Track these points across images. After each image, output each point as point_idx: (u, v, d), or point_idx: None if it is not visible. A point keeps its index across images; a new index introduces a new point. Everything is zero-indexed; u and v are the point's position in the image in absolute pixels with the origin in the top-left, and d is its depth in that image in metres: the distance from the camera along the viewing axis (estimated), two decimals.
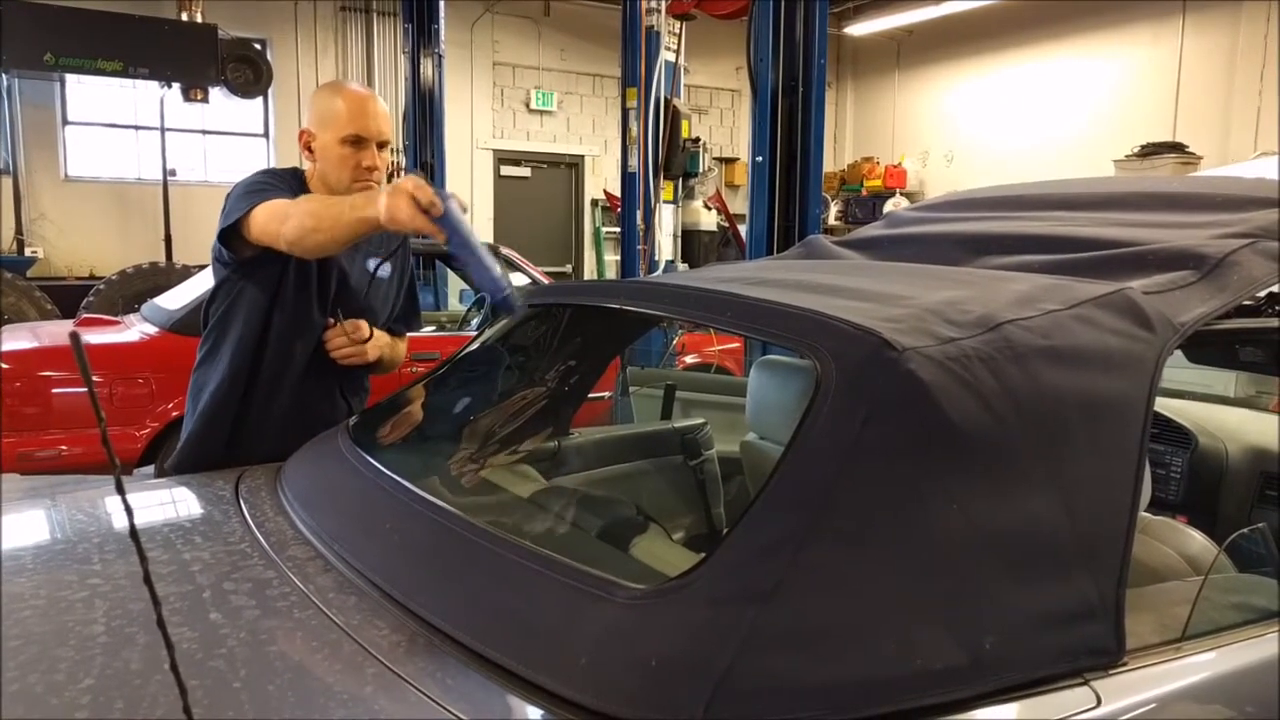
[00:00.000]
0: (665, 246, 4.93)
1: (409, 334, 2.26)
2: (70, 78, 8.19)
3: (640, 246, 4.94)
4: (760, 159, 3.69)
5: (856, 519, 1.07)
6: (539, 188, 11.12)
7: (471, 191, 10.20)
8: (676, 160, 4.87)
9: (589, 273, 11.21)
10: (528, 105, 10.78)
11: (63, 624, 1.11)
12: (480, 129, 10.45)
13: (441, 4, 7.31)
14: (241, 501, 1.59)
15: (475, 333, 5.54)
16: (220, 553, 1.33)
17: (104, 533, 1.42)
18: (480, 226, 10.43)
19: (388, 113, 2.09)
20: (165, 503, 1.66)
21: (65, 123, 8.48)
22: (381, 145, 2.05)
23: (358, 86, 2.11)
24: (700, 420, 2.54)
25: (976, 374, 1.16)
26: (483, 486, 1.70)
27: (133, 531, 0.72)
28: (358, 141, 1.99)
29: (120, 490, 0.69)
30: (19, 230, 8.13)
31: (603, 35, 11.09)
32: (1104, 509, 1.16)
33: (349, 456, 1.58)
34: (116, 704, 0.94)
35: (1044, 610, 1.07)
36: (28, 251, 8.05)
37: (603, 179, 11.36)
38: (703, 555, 1.06)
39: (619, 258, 11.27)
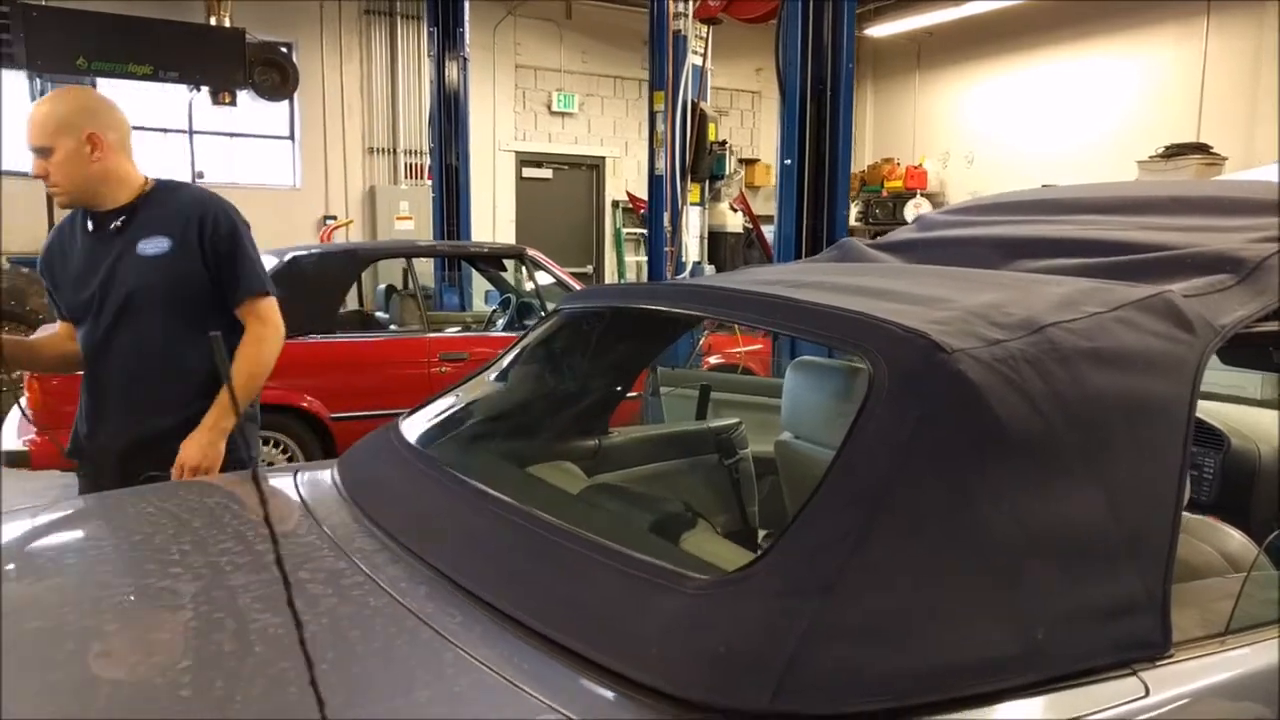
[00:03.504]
0: (692, 248, 4.98)
1: (259, 300, 2.27)
2: (100, 81, 8.31)
3: (667, 248, 4.99)
4: (789, 161, 3.73)
5: (911, 515, 1.11)
6: (560, 189, 11.19)
7: (494, 193, 10.28)
8: (703, 163, 4.91)
9: (609, 274, 11.27)
10: (549, 107, 10.85)
11: (151, 610, 1.17)
12: (502, 131, 10.53)
13: (466, 7, 7.38)
14: (303, 495, 1.65)
15: (501, 333, 5.65)
16: (290, 544, 1.39)
17: (177, 525, 1.48)
18: (502, 228, 10.52)
19: (57, 117, 2.15)
20: (227, 497, 1.72)
21: None
22: (43, 152, 2.14)
23: (54, 94, 2.31)
24: (735, 420, 2.58)
25: (1023, 375, 1.20)
26: (532, 483, 1.75)
27: (267, 520, 0.77)
28: (33, 152, 2.16)
29: (257, 482, 0.75)
30: (50, 230, 8.25)
31: (624, 37, 11.15)
32: (1149, 507, 1.20)
33: (405, 453, 1.64)
34: (216, 682, 0.99)
35: (1093, 604, 1.11)
36: None
37: (623, 180, 11.42)
38: (762, 549, 1.10)
39: (640, 259, 11.40)
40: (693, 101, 4.93)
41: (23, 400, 4.70)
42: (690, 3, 4.87)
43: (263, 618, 1.14)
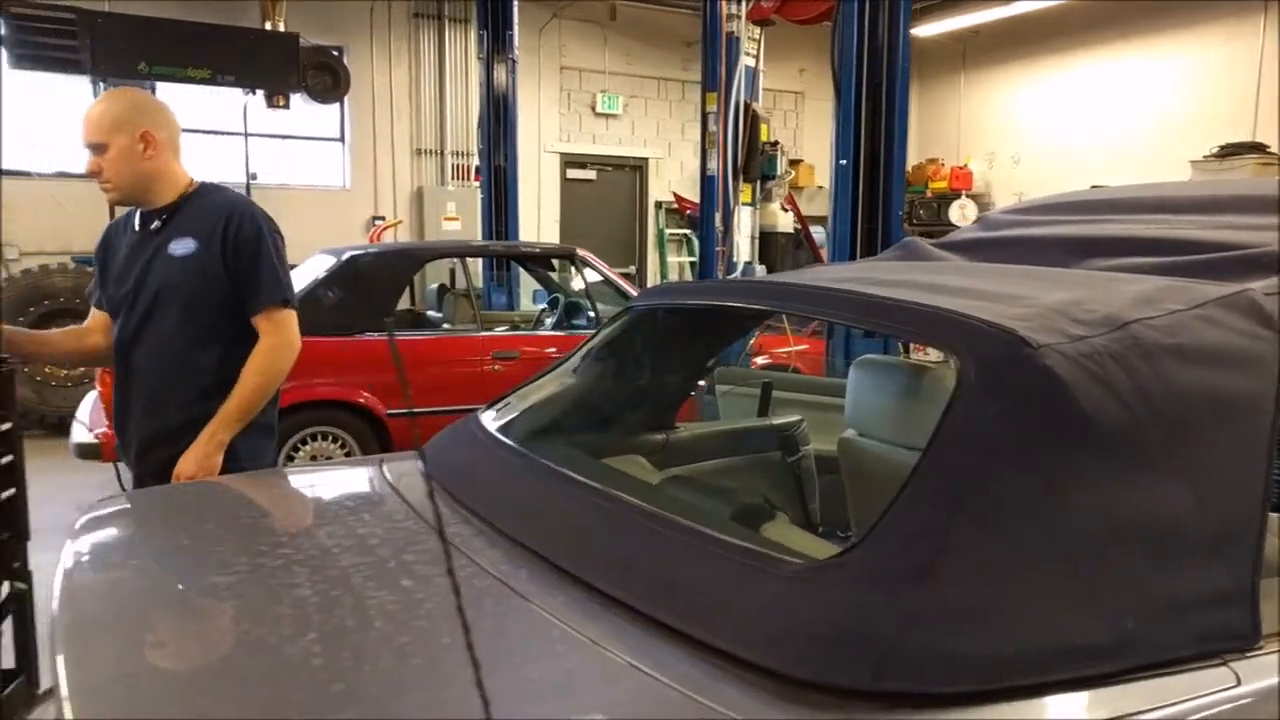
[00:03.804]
0: (743, 248, 5.02)
1: (277, 311, 2.27)
2: (160, 86, 8.53)
3: (719, 248, 5.03)
4: (844, 162, 3.75)
5: (1001, 505, 1.14)
6: (604, 190, 11.27)
7: (539, 194, 10.38)
8: (755, 163, 4.95)
9: (651, 274, 11.32)
10: (593, 109, 10.93)
11: (272, 589, 1.24)
12: (547, 132, 10.63)
13: (515, 11, 7.47)
14: (392, 484, 1.72)
15: (550, 332, 5.72)
16: (391, 529, 1.45)
17: (283, 510, 1.55)
18: (547, 229, 10.61)
19: (111, 115, 2.22)
20: (320, 485, 1.79)
21: None
22: (96, 148, 2.21)
23: (110, 93, 2.35)
24: (797, 417, 2.62)
25: (1108, 370, 1.23)
26: (612, 473, 1.80)
27: (435, 508, 0.83)
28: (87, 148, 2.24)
29: (427, 477, 0.80)
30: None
31: (668, 39, 11.20)
32: (1236, 501, 1.22)
33: (492, 443, 1.70)
34: (344, 653, 1.05)
35: (1182, 595, 1.14)
36: None
37: (666, 181, 11.47)
38: (856, 538, 1.14)
39: (681, 259, 11.44)
40: (745, 102, 4.96)
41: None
42: (743, 4, 4.90)
43: (378, 595, 1.20)
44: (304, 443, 4.86)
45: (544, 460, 1.54)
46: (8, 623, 2.57)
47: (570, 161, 10.93)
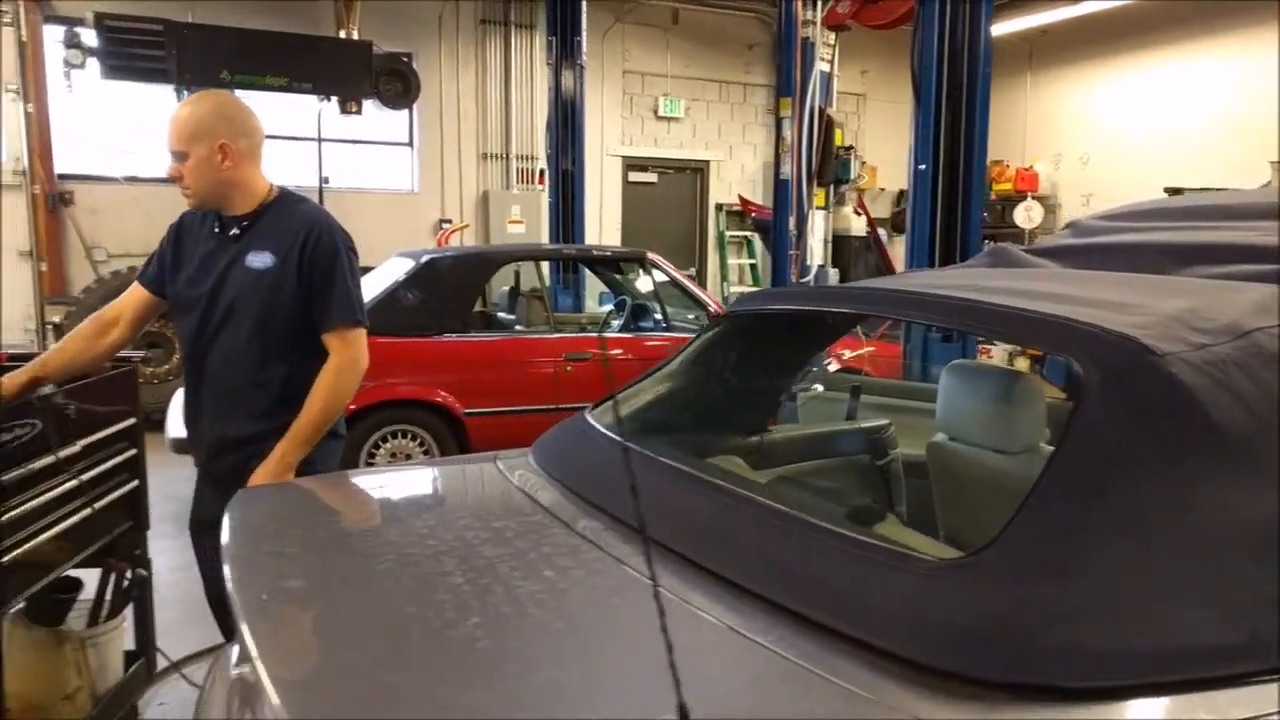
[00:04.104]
0: (816, 251, 5.04)
1: (348, 330, 2.30)
2: (238, 94, 8.81)
3: (792, 252, 5.06)
4: (923, 167, 3.76)
5: (1129, 508, 1.18)
6: (664, 193, 11.34)
7: (601, 197, 10.49)
8: (829, 167, 4.97)
9: (712, 276, 11.36)
10: (655, 112, 11.02)
11: (426, 576, 1.32)
12: (610, 136, 10.74)
13: (584, 16, 7.59)
14: (511, 480, 1.80)
15: (617, 334, 5.80)
16: (524, 523, 1.53)
17: (416, 503, 1.64)
18: (608, 232, 10.72)
19: (194, 122, 2.27)
20: (443, 480, 1.88)
21: None
22: (180, 156, 2.26)
23: (195, 97, 2.40)
24: (885, 421, 2.65)
25: (1232, 377, 1.26)
26: (721, 471, 1.86)
27: (634, 491, 0.90)
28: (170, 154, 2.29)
29: (629, 471, 0.87)
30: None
31: (730, 42, 11.24)
32: None
33: (607, 441, 1.77)
34: (509, 637, 1.13)
35: None
36: None
37: (727, 184, 11.50)
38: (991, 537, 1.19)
39: (741, 261, 11.46)
40: (820, 107, 4.99)
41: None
42: (819, 10, 4.93)
43: (525, 584, 1.28)
44: (384, 440, 5.01)
45: (664, 458, 1.61)
46: (125, 607, 2.73)
47: (632, 165, 11.03)
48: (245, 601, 1.23)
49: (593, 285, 7.94)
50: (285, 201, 2.38)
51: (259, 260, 2.28)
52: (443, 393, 5.07)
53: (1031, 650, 1.06)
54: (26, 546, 2.04)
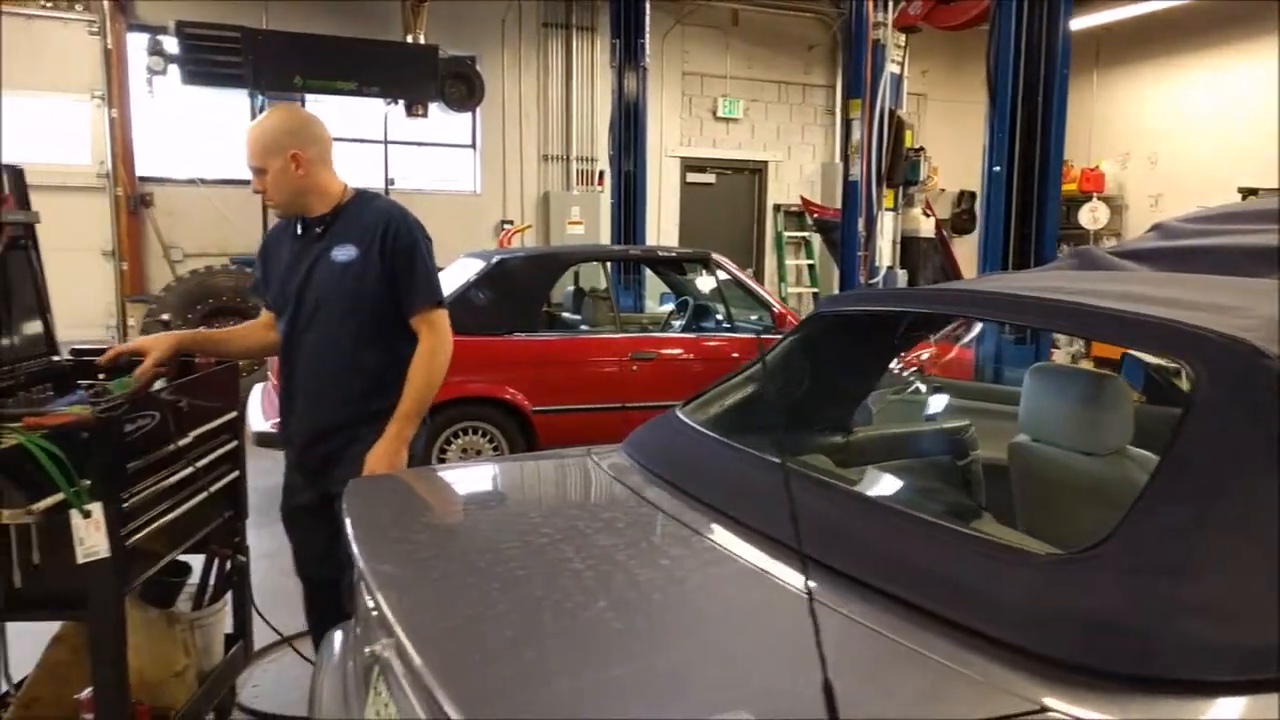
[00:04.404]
0: (885, 253, 5.05)
1: (431, 312, 2.45)
2: (309, 98, 9.05)
3: (861, 253, 5.07)
4: (998, 169, 3.75)
5: (1245, 506, 1.19)
6: (722, 193, 11.37)
7: (659, 198, 10.55)
8: (899, 169, 4.97)
9: (769, 277, 11.36)
10: (714, 113, 11.05)
11: (549, 561, 1.39)
12: (669, 137, 10.81)
13: (648, 19, 7.65)
14: (612, 474, 1.86)
15: (680, 334, 5.85)
16: (632, 514, 1.59)
17: (522, 494, 1.71)
18: (666, 232, 10.78)
19: (269, 139, 2.42)
20: (543, 473, 1.95)
21: None
22: (259, 171, 2.42)
23: (270, 112, 2.54)
24: (966, 422, 2.66)
25: None
26: (812, 468, 1.91)
27: (787, 480, 0.95)
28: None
29: (788, 493, 0.92)
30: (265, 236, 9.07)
31: (789, 43, 11.23)
32: None
33: (704, 436, 1.82)
34: (639, 619, 1.19)
35: None
36: None
37: (785, 185, 11.49)
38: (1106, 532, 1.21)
39: (799, 262, 11.44)
40: (890, 109, 4.99)
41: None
42: (890, 12, 4.93)
43: (644, 571, 1.34)
44: (455, 437, 5.12)
45: (759, 453, 1.66)
46: (226, 592, 2.86)
47: (690, 166, 11.08)
48: (382, 584, 1.30)
49: (653, 286, 8.00)
50: (362, 199, 2.53)
51: (342, 254, 2.42)
52: (512, 390, 5.17)
53: (1158, 644, 1.09)
54: (150, 529, 2.16)
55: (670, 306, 6.75)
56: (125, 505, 2.06)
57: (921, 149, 5.14)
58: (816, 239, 10.73)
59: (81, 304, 7.92)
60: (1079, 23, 10.50)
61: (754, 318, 6.01)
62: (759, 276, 11.32)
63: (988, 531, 1.58)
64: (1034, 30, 3.75)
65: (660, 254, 6.71)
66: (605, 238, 9.54)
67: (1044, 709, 1.03)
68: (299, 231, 2.52)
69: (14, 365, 2.55)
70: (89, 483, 1.93)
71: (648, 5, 8.07)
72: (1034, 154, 3.80)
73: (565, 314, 6.65)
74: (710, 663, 1.10)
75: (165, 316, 2.85)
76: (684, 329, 5.99)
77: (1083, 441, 2.06)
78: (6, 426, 1.88)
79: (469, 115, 9.81)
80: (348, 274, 2.41)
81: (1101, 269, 2.38)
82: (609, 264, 6.54)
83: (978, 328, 3.96)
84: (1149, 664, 1.07)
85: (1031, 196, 3.81)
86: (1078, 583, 1.15)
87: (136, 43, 8.39)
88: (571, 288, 6.86)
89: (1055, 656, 1.09)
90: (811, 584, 1.19)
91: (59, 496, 1.90)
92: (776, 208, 11.44)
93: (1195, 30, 10.07)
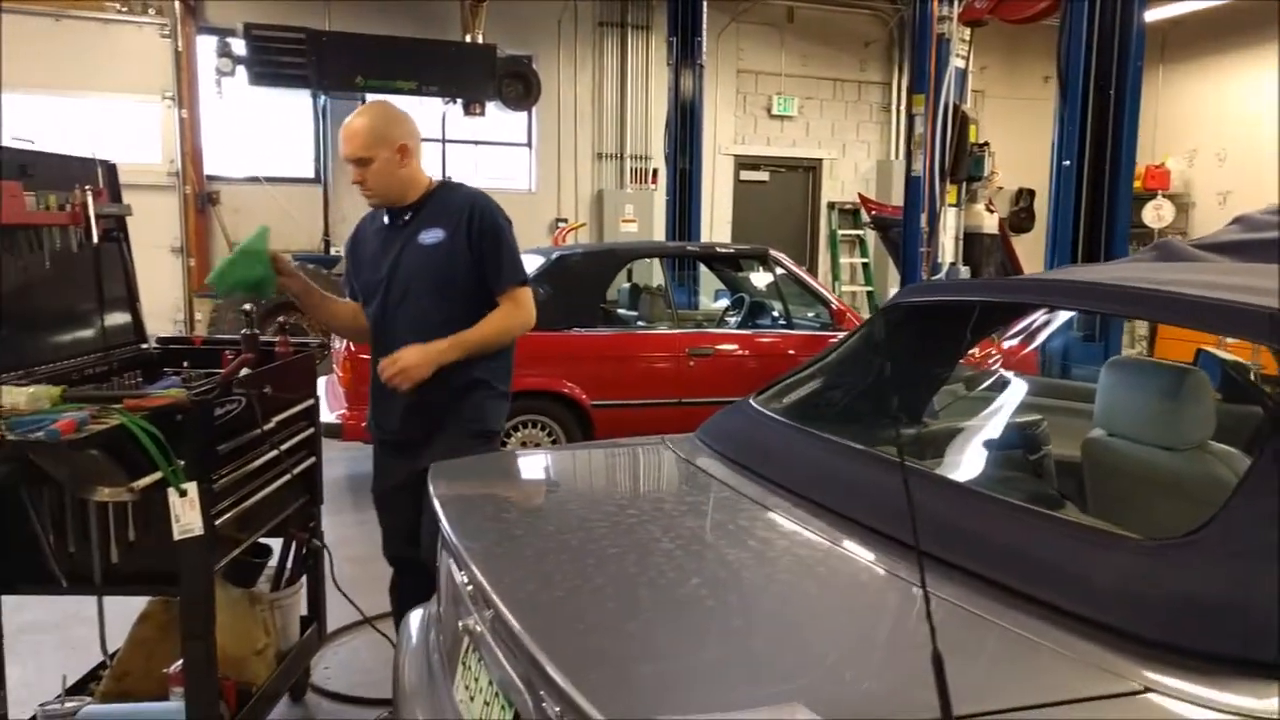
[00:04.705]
0: (948, 249, 5.00)
1: (517, 289, 2.55)
2: (369, 97, 9.22)
3: (923, 249, 5.03)
4: (1067, 163, 3.69)
5: None
6: (776, 191, 11.33)
7: (712, 195, 10.55)
8: (963, 164, 4.92)
9: (823, 275, 11.28)
10: (769, 111, 11.02)
11: (639, 541, 1.41)
12: (723, 135, 10.80)
13: (705, 17, 7.66)
14: (688, 460, 1.88)
15: (735, 330, 5.85)
16: (716, 498, 1.61)
17: (605, 479, 1.74)
18: (719, 230, 10.77)
19: (369, 132, 2.47)
20: (619, 459, 1.98)
21: None
22: (359, 163, 2.46)
23: (363, 110, 2.57)
24: (1038, 417, 2.63)
25: None
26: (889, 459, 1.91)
27: (906, 478, 0.96)
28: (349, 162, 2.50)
29: (908, 493, 0.93)
30: (326, 232, 9.27)
31: (845, 39, 11.15)
32: None
33: (781, 424, 1.83)
34: (731, 597, 1.21)
35: None
36: (332, 251, 9.16)
37: (839, 183, 11.41)
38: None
39: (853, 260, 11.35)
40: (955, 104, 4.94)
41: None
42: (955, 6, 4.88)
43: (733, 552, 1.36)
44: (515, 430, 5.18)
45: (840, 440, 1.67)
46: (302, 575, 2.94)
47: (744, 164, 11.05)
48: (478, 559, 1.34)
49: (707, 282, 8.00)
50: (446, 187, 2.63)
51: (430, 236, 2.52)
52: (570, 385, 5.22)
53: (1260, 627, 1.08)
54: (237, 510, 2.24)
55: (725, 303, 6.75)
56: (215, 486, 2.14)
57: (986, 144, 5.08)
58: (871, 237, 10.64)
59: (151, 299, 8.09)
60: (1148, 15, 10.29)
61: (811, 314, 5.98)
62: (812, 275, 11.25)
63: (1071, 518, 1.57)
64: (1106, 22, 3.68)
65: (718, 250, 6.71)
66: (658, 235, 9.56)
67: (1146, 689, 1.03)
68: (386, 221, 2.60)
69: (107, 352, 2.66)
70: (183, 463, 2.01)
71: (704, 3, 8.08)
72: (1105, 148, 3.73)
73: (620, 310, 6.69)
74: (801, 637, 1.11)
75: (247, 306, 2.89)
76: (740, 325, 5.99)
77: (1162, 436, 2.03)
78: (109, 408, 1.96)
79: (525, 114, 9.90)
80: (435, 255, 2.50)
81: (1186, 260, 2.34)
82: (664, 261, 6.54)
83: (1045, 327, 3.91)
84: (1251, 647, 1.06)
85: (1101, 192, 3.74)
86: (1181, 567, 1.14)
87: (205, 45, 8.63)
88: (627, 285, 6.89)
89: (1156, 638, 1.09)
90: (913, 570, 1.19)
91: (156, 476, 1.97)
92: (831, 206, 11.37)
93: (1266, 24, 9.78)
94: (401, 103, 2.53)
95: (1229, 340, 4.29)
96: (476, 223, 2.51)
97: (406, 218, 2.56)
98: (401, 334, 2.54)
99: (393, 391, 2.53)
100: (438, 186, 2.61)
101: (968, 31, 4.92)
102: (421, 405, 2.52)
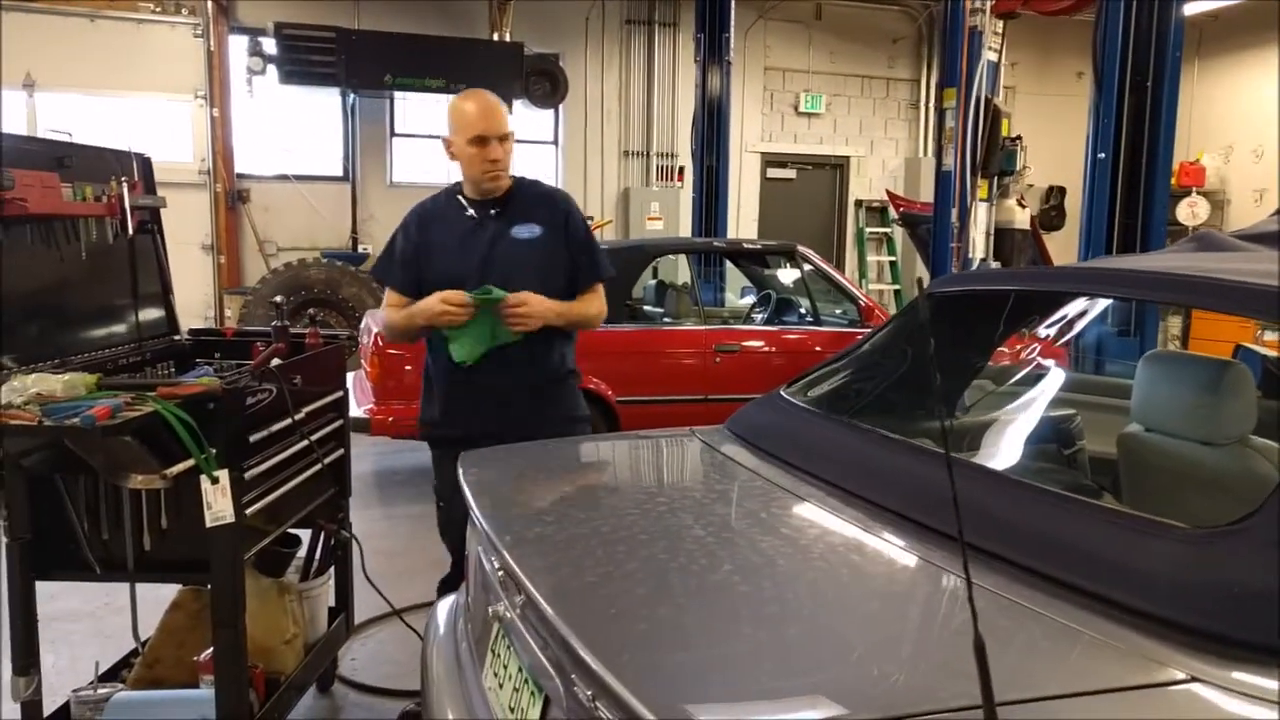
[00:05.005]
0: (979, 244, 4.94)
1: (601, 284, 2.65)
2: (397, 95, 9.27)
3: (953, 244, 4.97)
4: (1102, 156, 3.63)
5: None
6: (802, 188, 11.27)
7: (739, 193, 10.51)
8: (995, 159, 4.86)
9: (850, 272, 11.21)
10: (796, 108, 10.96)
11: (670, 528, 1.40)
12: (750, 132, 10.75)
13: (732, 14, 7.63)
14: (717, 450, 1.86)
15: (761, 327, 5.82)
16: (745, 488, 1.60)
17: (635, 468, 1.73)
18: (745, 228, 10.73)
19: (504, 110, 2.55)
20: (649, 449, 1.97)
21: (393, 135, 9.62)
22: (502, 139, 2.48)
23: (481, 91, 2.60)
24: (1072, 411, 2.59)
25: None
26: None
27: (951, 469, 0.94)
28: (481, 140, 2.46)
29: (945, 441, 0.92)
30: (354, 229, 9.34)
31: (873, 36, 11.06)
32: None
33: (814, 415, 1.81)
34: (764, 584, 1.20)
35: None
36: (360, 248, 9.22)
37: (867, 180, 11.33)
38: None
39: (880, 258, 11.26)
40: (986, 97, 4.88)
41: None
42: None
43: (766, 539, 1.34)
44: None
45: (889, 433, 1.65)
46: (330, 566, 2.95)
47: (771, 161, 11.01)
48: (509, 546, 1.33)
49: (733, 279, 7.97)
50: (524, 182, 2.66)
51: (526, 231, 2.55)
52: (596, 380, 5.21)
53: None
54: (268, 499, 2.25)
55: (750, 300, 6.71)
56: (246, 474, 2.15)
57: (1019, 138, 5.01)
58: (899, 234, 10.55)
59: (182, 295, 8.18)
60: (1187, 9, 10.12)
61: (839, 311, 5.94)
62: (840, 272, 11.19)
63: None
64: (1143, 14, 3.62)
65: (746, 246, 6.68)
66: (684, 233, 9.53)
67: (1193, 678, 1.00)
68: (470, 212, 2.56)
69: (140, 342, 2.68)
70: (215, 451, 2.02)
71: (732, 1, 8.05)
72: (1140, 142, 3.67)
73: (647, 307, 6.67)
74: (842, 628, 1.10)
75: (278, 298, 2.91)
76: (766, 322, 5.95)
77: (1201, 431, 1.99)
78: (143, 395, 1.97)
79: (552, 112, 9.91)
80: (535, 249, 2.54)
81: (1226, 250, 2.30)
82: (690, 257, 6.52)
83: (1078, 320, 3.85)
84: None
85: (1137, 187, 3.68)
86: (1229, 556, 1.11)
87: (237, 44, 8.72)
88: (653, 281, 6.88)
89: (1203, 628, 1.06)
90: (949, 559, 1.17)
91: (189, 463, 1.99)
92: (858, 203, 11.29)
93: None
94: (430, 100, 2.53)
95: (1268, 337, 4.21)
96: (571, 219, 2.61)
97: (495, 210, 2.55)
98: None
99: (483, 383, 2.51)
100: (519, 181, 2.63)
101: (1000, 24, 4.85)
102: (526, 388, 2.54)
